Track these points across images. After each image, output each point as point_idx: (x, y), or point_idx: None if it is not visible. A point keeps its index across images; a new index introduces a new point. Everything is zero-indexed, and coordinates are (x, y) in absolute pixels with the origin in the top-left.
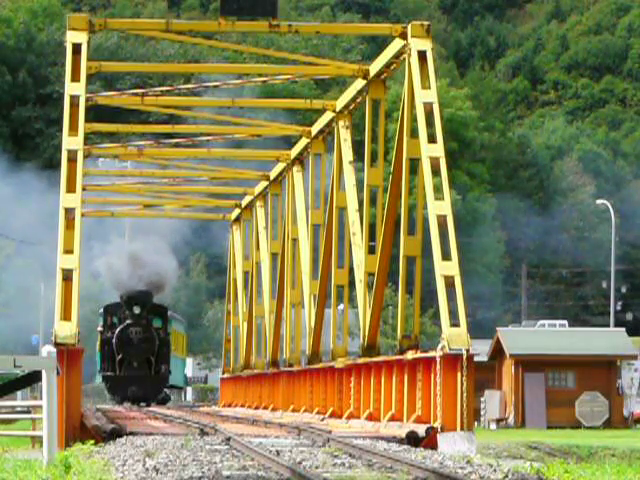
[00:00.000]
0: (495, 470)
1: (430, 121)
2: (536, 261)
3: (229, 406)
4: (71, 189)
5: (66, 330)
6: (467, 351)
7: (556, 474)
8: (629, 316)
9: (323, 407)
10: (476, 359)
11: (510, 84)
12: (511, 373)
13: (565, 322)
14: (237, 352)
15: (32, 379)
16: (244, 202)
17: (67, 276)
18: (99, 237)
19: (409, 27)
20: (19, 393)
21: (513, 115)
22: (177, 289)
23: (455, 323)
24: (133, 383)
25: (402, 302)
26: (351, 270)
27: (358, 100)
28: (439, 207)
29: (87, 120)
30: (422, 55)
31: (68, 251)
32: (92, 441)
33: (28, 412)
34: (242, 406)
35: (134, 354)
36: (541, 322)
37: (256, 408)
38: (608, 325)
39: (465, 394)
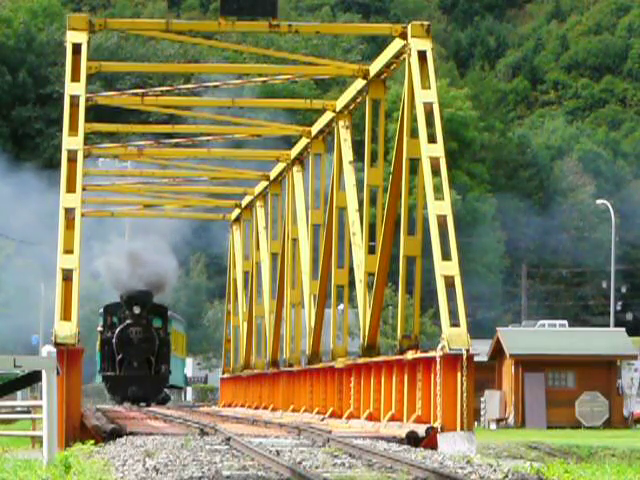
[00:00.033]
0: (495, 470)
1: (430, 121)
2: (536, 261)
3: (229, 406)
4: (71, 189)
5: (66, 330)
6: (467, 351)
7: (556, 474)
8: (629, 316)
9: (323, 407)
10: (476, 359)
11: (510, 84)
12: (511, 373)
13: (565, 322)
14: (237, 352)
15: (32, 379)
16: (244, 202)
17: (67, 276)
18: (99, 237)
19: (409, 27)
20: (19, 393)
21: (513, 115)
22: (177, 289)
23: (455, 323)
24: (133, 383)
25: (402, 302)
26: (351, 270)
27: (358, 100)
28: (439, 207)
29: (87, 120)
30: (422, 55)
31: (68, 251)
32: (92, 441)
33: (28, 412)
34: (242, 406)
35: (134, 354)
36: (541, 322)
37: (256, 408)
38: (608, 325)
39: (465, 394)
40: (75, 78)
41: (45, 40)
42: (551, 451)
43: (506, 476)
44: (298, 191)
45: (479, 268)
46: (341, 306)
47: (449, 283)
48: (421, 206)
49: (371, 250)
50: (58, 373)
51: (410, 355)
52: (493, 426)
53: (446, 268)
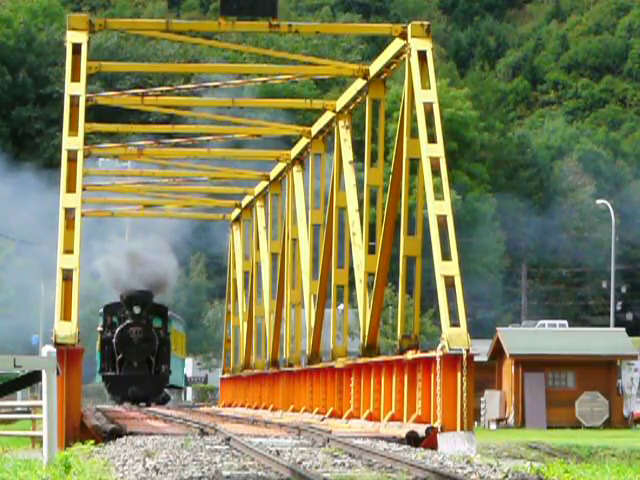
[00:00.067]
0: (495, 470)
1: (430, 121)
2: (536, 261)
3: (229, 406)
4: (71, 189)
5: (66, 330)
6: (467, 351)
7: (556, 474)
8: (629, 316)
9: (323, 407)
10: (476, 359)
11: (510, 84)
12: (511, 373)
13: (565, 322)
14: (237, 352)
15: (32, 379)
16: (244, 202)
17: (67, 276)
18: (99, 237)
19: (409, 27)
20: (19, 393)
21: (513, 115)
22: (177, 289)
23: (455, 323)
24: (133, 383)
25: (402, 302)
26: (351, 270)
27: (358, 100)
28: (439, 207)
29: (87, 120)
30: (422, 55)
31: (68, 251)
32: (92, 441)
33: (28, 412)
34: (242, 406)
35: (134, 354)
36: (541, 322)
37: (256, 408)
38: (608, 325)
39: (465, 394)
40: (75, 78)
41: (45, 40)
42: (551, 451)
43: (506, 476)
44: (298, 191)
45: (479, 268)
46: (341, 306)
47: (449, 283)
48: (421, 206)
49: (371, 250)
50: (58, 373)
51: (410, 355)
52: (493, 426)
53: (446, 268)
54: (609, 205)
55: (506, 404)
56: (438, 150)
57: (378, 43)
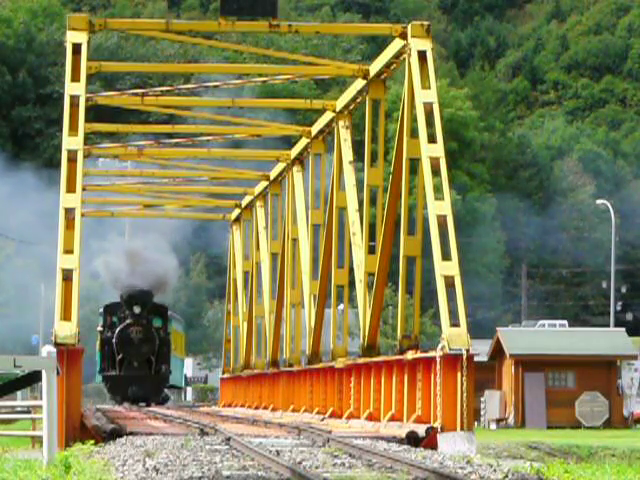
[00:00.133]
0: (495, 470)
1: (430, 121)
2: (536, 261)
3: (229, 406)
4: (71, 189)
5: (66, 330)
6: (467, 351)
7: (556, 474)
8: (629, 316)
9: (323, 407)
10: (476, 359)
11: (510, 84)
12: (511, 373)
13: (565, 322)
14: (237, 352)
15: (32, 379)
16: (244, 202)
17: (67, 276)
18: (98, 236)
19: (409, 27)
20: (19, 393)
21: (513, 115)
22: (177, 289)
23: (455, 323)
24: (133, 383)
25: (402, 302)
26: (351, 270)
27: (358, 100)
28: (439, 207)
29: (87, 120)
30: (422, 55)
31: (68, 251)
32: (92, 441)
33: (28, 412)
34: (242, 406)
35: (134, 354)
36: (541, 322)
37: (256, 408)
38: (608, 325)
39: (465, 394)
40: (75, 78)
41: (45, 40)
42: (551, 451)
43: (506, 476)
44: (298, 191)
45: (479, 268)
46: (341, 306)
47: (449, 283)
48: (421, 206)
49: (371, 250)
50: (58, 373)
51: (410, 355)
52: (493, 426)
53: (446, 268)
54: (609, 205)
55: (506, 404)
56: (438, 150)
57: (378, 43)
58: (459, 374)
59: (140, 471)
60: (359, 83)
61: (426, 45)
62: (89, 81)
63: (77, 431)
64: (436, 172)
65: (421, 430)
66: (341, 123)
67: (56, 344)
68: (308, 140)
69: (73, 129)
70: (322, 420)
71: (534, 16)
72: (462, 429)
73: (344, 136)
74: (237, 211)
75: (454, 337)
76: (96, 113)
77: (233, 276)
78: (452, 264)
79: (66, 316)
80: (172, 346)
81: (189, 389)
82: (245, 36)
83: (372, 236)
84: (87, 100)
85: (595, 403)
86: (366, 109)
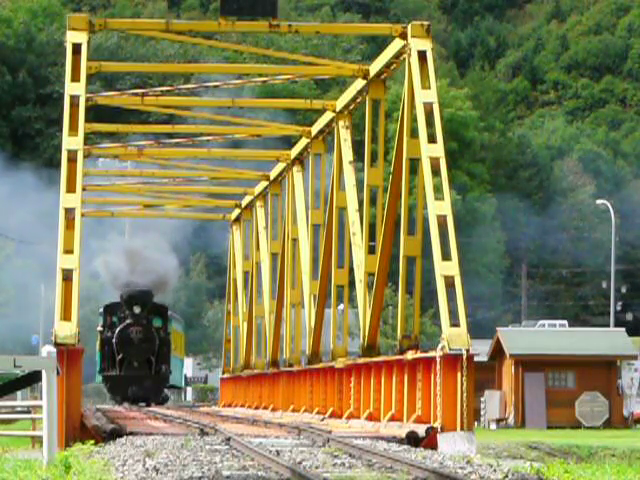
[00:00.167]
0: (495, 470)
1: (430, 121)
2: (536, 261)
3: (229, 406)
4: (71, 189)
5: (66, 330)
6: (467, 351)
7: (556, 474)
8: (629, 316)
9: (323, 407)
10: (476, 359)
11: (510, 84)
12: (511, 373)
13: (565, 322)
14: (237, 352)
15: (32, 379)
16: (244, 202)
17: (67, 276)
18: (98, 236)
19: (409, 27)
20: (19, 393)
21: (513, 115)
22: (177, 289)
23: (455, 323)
24: (133, 383)
25: (402, 302)
26: (351, 270)
27: (358, 100)
28: (439, 207)
29: (87, 120)
30: (422, 55)
31: (68, 251)
32: (92, 441)
33: (28, 412)
34: (242, 406)
35: (134, 354)
36: (541, 322)
37: (256, 408)
38: (608, 325)
39: (465, 394)
40: (75, 78)
41: (45, 40)
42: (551, 451)
43: (506, 476)
44: (298, 191)
45: (479, 268)
46: (341, 306)
47: (449, 283)
48: (421, 206)
49: (371, 250)
50: (58, 373)
51: (410, 355)
52: (493, 426)
53: (446, 268)
54: (609, 205)
55: (506, 404)
56: (438, 150)
57: (378, 43)
58: (459, 374)
59: (140, 471)
60: (359, 83)
61: (426, 45)
62: (89, 81)
63: (77, 431)
64: (436, 172)
65: (421, 430)
66: (341, 123)
67: (56, 344)
68: (308, 140)
69: (73, 129)
70: (322, 420)
71: (534, 16)
72: (462, 429)
73: (344, 136)
74: (237, 211)
75: (454, 337)
76: (96, 113)
77: (233, 276)
78: (452, 264)
79: (66, 316)
80: (172, 346)
81: (189, 389)
82: (245, 36)
83: (372, 236)
84: (87, 100)
85: (595, 403)
86: (366, 109)
